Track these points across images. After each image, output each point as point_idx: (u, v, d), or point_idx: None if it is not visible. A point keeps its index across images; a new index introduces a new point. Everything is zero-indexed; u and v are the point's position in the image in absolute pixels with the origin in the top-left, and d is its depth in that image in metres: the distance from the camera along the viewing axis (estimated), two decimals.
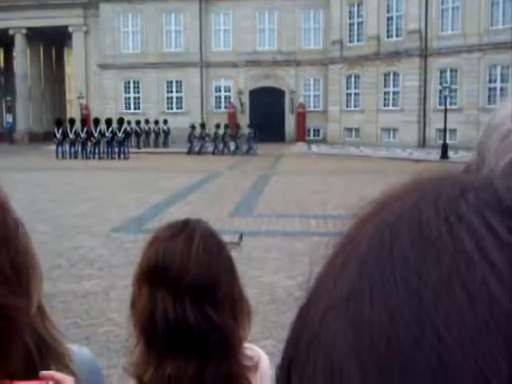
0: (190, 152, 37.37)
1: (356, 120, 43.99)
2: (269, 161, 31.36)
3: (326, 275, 0.31)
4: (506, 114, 0.74)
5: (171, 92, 48.75)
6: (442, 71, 39.17)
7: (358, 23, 43.84)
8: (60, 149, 34.74)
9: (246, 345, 1.65)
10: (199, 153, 37.23)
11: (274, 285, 8.41)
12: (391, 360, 0.25)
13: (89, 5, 49.07)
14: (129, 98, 49.27)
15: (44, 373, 1.05)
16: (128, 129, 37.89)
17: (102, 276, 8.98)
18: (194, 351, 1.52)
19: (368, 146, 39.70)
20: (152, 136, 43.07)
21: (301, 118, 46.98)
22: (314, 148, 41.27)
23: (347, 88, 44.84)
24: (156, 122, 43.04)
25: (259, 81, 47.75)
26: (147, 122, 43.04)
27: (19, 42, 51.38)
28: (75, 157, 34.86)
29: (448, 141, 32.73)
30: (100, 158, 34.83)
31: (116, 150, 35.22)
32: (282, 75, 47.67)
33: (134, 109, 48.70)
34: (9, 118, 56.04)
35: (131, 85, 49.00)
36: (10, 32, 50.64)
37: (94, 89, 49.94)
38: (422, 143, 40.38)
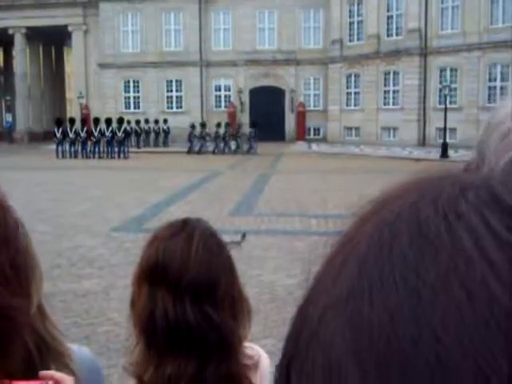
0: (190, 151, 37.36)
1: (356, 119, 43.99)
2: (269, 160, 31.35)
3: (325, 274, 0.31)
4: (506, 112, 0.74)
5: (171, 91, 48.74)
6: (442, 70, 39.16)
7: (358, 22, 43.83)
8: (60, 148, 34.74)
9: (246, 344, 1.65)
10: (199, 152, 37.21)
11: (274, 284, 8.41)
12: (390, 359, 0.25)
13: (88, 4, 49.06)
14: (129, 98, 49.27)
15: (43, 372, 1.05)
16: (128, 128, 37.88)
17: (102, 275, 8.98)
18: (194, 350, 1.52)
19: (368, 145, 39.70)
20: (152, 135, 43.06)
21: (301, 117, 46.97)
22: (314, 147, 41.27)
23: (347, 87, 44.83)
24: (156, 122, 43.03)
25: (259, 80, 47.73)
26: (147, 121, 43.03)
27: (19, 42, 51.37)
28: (75, 156, 34.87)
29: (448, 140, 32.73)
30: (100, 157, 34.83)
31: (116, 149, 35.22)
32: (282, 74, 47.66)
33: (134, 108, 48.70)
34: (8, 117, 56.04)
35: (131, 84, 49.00)
36: (10, 31, 50.63)
37: (93, 88, 49.94)
38: (422, 142, 40.38)
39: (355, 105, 44.51)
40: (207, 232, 1.62)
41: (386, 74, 42.27)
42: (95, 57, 49.34)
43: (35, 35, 51.47)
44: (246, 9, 47.08)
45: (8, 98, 56.38)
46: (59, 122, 36.97)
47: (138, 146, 40.75)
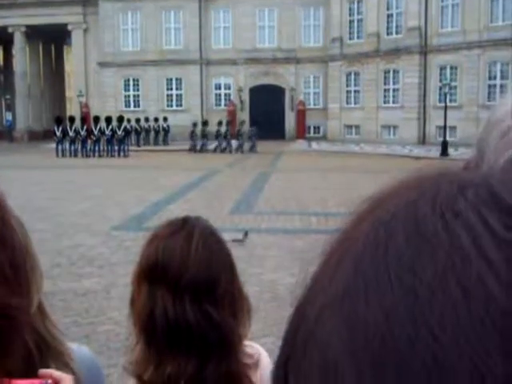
0: (192, 150, 37.32)
1: (356, 117, 43.99)
2: (269, 158, 31.34)
3: (322, 274, 0.31)
4: (505, 110, 0.74)
5: (171, 89, 48.73)
6: (442, 68, 39.16)
7: (358, 20, 43.82)
8: (60, 147, 34.72)
9: (246, 342, 1.65)
10: (201, 150, 37.19)
11: (275, 282, 8.41)
12: (386, 358, 0.25)
13: (88, 2, 49.05)
14: (128, 96, 49.26)
15: (43, 371, 1.05)
16: (128, 127, 37.87)
17: (102, 274, 8.97)
18: (194, 349, 1.52)
19: (368, 143, 39.69)
20: (152, 134, 43.06)
21: (301, 115, 46.96)
22: (314, 145, 41.28)
23: (347, 85, 44.83)
24: (156, 120, 43.02)
25: (259, 78, 47.72)
26: (147, 119, 43.04)
27: (18, 40, 51.35)
28: (75, 155, 34.86)
29: (448, 138, 32.74)
30: (100, 155, 34.82)
31: (116, 147, 35.22)
32: (282, 72, 47.65)
33: (134, 106, 48.69)
34: (8, 116, 56.03)
35: (131, 82, 48.98)
36: (10, 30, 50.60)
37: (93, 87, 49.92)
38: (422, 140, 40.39)
39: (355, 103, 44.51)
40: (207, 230, 1.62)
41: (386, 72, 42.27)
42: (95, 55, 49.31)
43: (35, 34, 51.45)
44: (245, 7, 47.06)
45: (8, 96, 56.35)
46: (59, 121, 36.95)
47: (137, 145, 40.75)
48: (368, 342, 0.26)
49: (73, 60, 53.35)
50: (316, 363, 0.28)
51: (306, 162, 29.20)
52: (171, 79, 48.39)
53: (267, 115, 45.05)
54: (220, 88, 48.92)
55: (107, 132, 35.31)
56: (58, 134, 35.36)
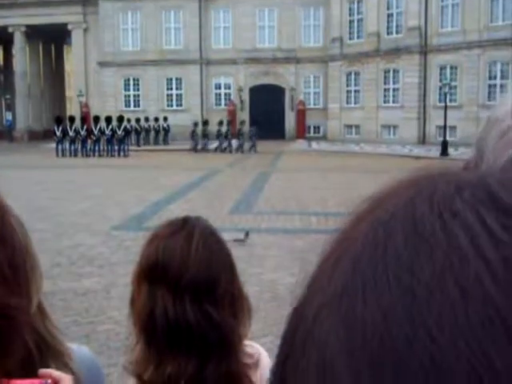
0: (194, 149, 37.29)
1: (356, 117, 43.99)
2: (269, 158, 31.35)
3: (321, 273, 0.31)
4: (505, 110, 0.74)
5: (171, 89, 48.73)
6: (442, 68, 39.16)
7: (358, 20, 43.81)
8: (60, 147, 34.73)
9: (246, 342, 1.65)
10: (202, 150, 37.17)
11: (275, 282, 8.41)
12: (384, 358, 0.25)
13: (88, 2, 49.05)
14: (128, 96, 49.26)
15: (43, 371, 1.05)
16: (128, 126, 37.88)
17: (102, 274, 8.97)
18: (194, 349, 1.52)
19: (368, 143, 39.69)
20: (152, 133, 43.06)
21: (301, 115, 46.96)
22: (314, 145, 41.28)
23: (347, 85, 44.83)
24: (156, 120, 43.03)
25: (259, 78, 47.72)
26: (147, 119, 43.05)
27: (18, 40, 51.35)
28: (75, 155, 34.86)
29: (448, 138, 32.74)
30: (100, 155, 34.82)
31: (116, 147, 35.22)
32: (282, 72, 47.65)
33: (134, 106, 48.69)
34: (8, 115, 56.05)
35: (131, 82, 48.98)
36: (10, 30, 50.61)
37: (93, 86, 49.92)
38: (422, 140, 40.39)
39: (355, 103, 44.51)
40: (207, 230, 1.62)
41: (386, 72, 42.26)
42: (95, 55, 49.31)
43: (35, 33, 51.45)
44: (245, 7, 47.06)
45: (8, 96, 56.37)
46: (59, 121, 36.96)
47: (138, 144, 40.74)
48: (365, 341, 0.26)
49: (73, 60, 53.35)
50: (314, 363, 0.28)
51: (306, 161, 29.20)
52: (171, 79, 48.40)
53: (267, 115, 45.06)
54: (220, 88, 48.93)
55: (107, 132, 35.31)
56: (58, 133, 35.36)
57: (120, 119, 37.06)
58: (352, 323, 0.27)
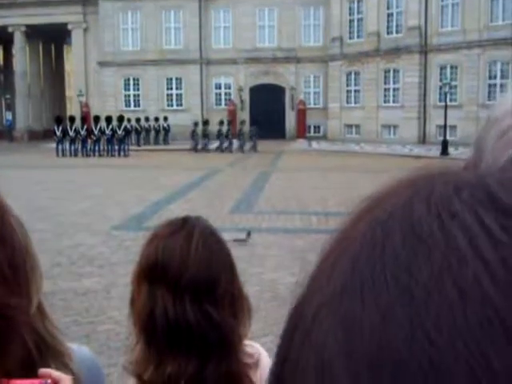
0: (194, 149, 37.26)
1: (356, 117, 43.99)
2: (269, 158, 31.35)
3: (320, 272, 0.31)
4: (505, 109, 0.74)
5: (171, 89, 48.73)
6: (442, 67, 39.16)
7: (358, 20, 43.81)
8: (60, 146, 34.73)
9: (247, 342, 1.65)
10: (204, 150, 37.16)
11: (275, 282, 8.41)
12: (382, 360, 0.25)
13: (88, 2, 49.05)
14: (129, 96, 49.26)
15: (42, 370, 1.05)
16: (128, 126, 37.88)
17: (103, 274, 8.98)
18: (194, 349, 1.52)
19: (368, 143, 39.69)
20: (152, 133, 43.06)
21: (301, 114, 46.96)
22: (314, 145, 41.29)
23: (347, 85, 44.82)
24: (156, 119, 43.04)
25: (259, 78, 47.73)
26: (147, 119, 43.06)
27: (18, 40, 51.35)
28: (75, 154, 34.86)
29: (448, 137, 32.74)
30: (100, 155, 34.82)
31: (116, 147, 35.23)
32: (282, 72, 47.65)
33: (134, 106, 48.69)
34: (8, 115, 56.06)
35: (131, 82, 48.98)
36: (10, 29, 50.61)
37: (93, 86, 49.92)
38: (422, 140, 40.38)
39: (355, 102, 44.51)
40: (207, 230, 1.62)
41: (386, 71, 42.26)
42: (95, 55, 49.31)
43: (35, 33, 51.45)
44: (245, 7, 47.06)
45: (8, 96, 56.38)
46: (59, 121, 36.96)
47: (138, 144, 40.74)
48: (364, 343, 0.26)
49: (73, 59, 53.34)
50: (312, 363, 0.28)
51: (307, 161, 29.21)
52: (171, 79, 48.40)
53: (267, 115, 45.06)
54: (220, 87, 48.93)
55: (107, 132, 35.31)
56: (58, 133, 35.37)
57: (120, 119, 37.06)
58: (350, 324, 0.27)
